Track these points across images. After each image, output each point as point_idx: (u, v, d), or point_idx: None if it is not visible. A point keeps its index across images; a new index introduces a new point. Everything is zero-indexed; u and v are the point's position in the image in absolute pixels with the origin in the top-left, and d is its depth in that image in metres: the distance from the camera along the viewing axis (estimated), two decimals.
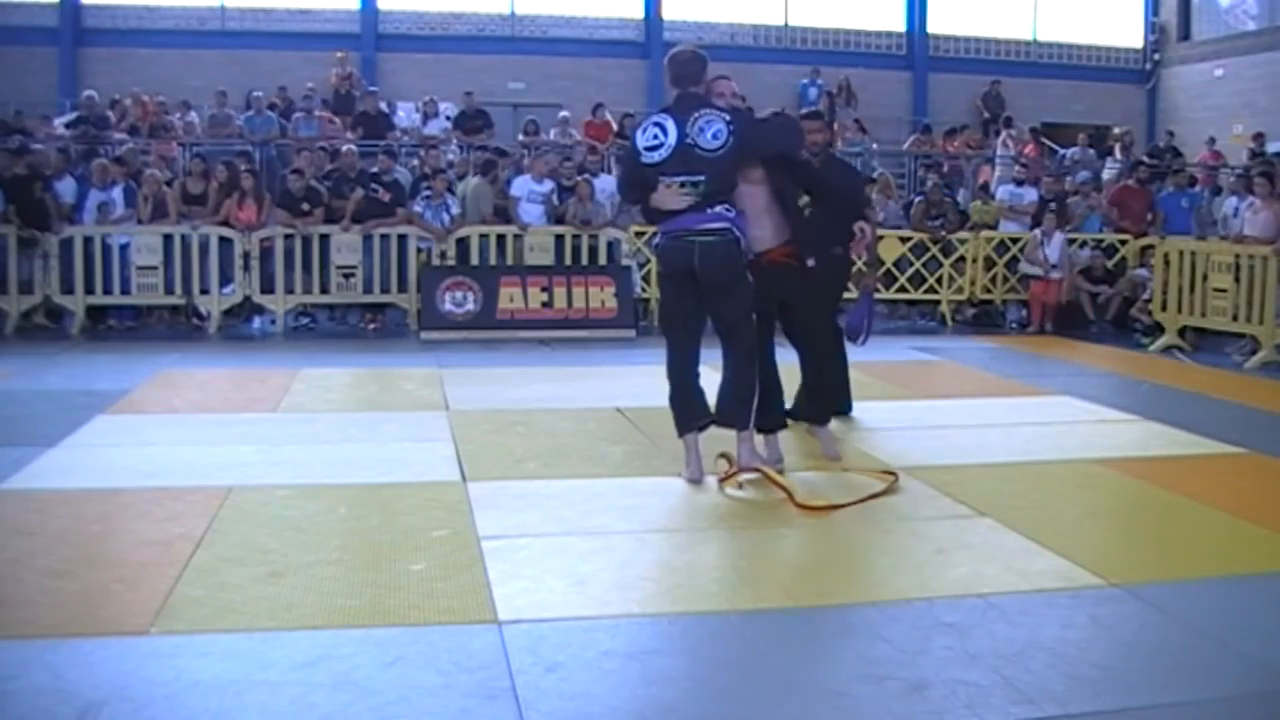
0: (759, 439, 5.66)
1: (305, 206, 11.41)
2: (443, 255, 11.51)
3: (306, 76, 17.24)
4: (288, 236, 11.29)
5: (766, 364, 5.72)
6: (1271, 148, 16.82)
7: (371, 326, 11.62)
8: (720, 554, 4.60)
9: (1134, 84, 22.42)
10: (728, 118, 5.35)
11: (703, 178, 5.31)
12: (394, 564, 4.30)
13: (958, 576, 4.24)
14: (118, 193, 11.38)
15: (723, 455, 5.61)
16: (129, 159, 12.16)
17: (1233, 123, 19.67)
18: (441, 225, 11.57)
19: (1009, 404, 7.85)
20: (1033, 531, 4.74)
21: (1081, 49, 22.40)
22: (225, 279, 11.31)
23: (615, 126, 16.06)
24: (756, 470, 5.43)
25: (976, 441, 6.52)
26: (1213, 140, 18.11)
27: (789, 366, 5.99)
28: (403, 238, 11.45)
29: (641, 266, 11.56)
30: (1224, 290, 10.46)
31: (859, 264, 7.46)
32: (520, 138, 15.46)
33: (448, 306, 11.03)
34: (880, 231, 12.58)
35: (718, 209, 5.35)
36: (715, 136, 5.29)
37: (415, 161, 13.44)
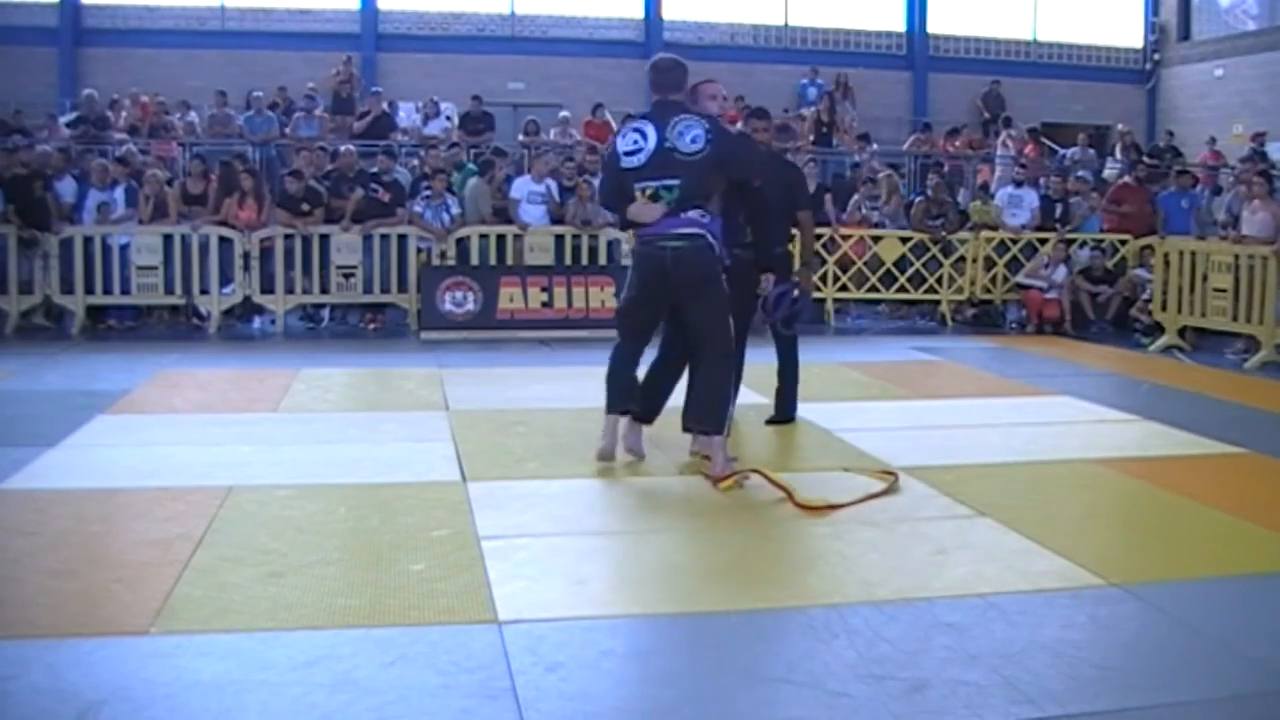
0: (624, 423, 5.83)
1: (305, 206, 11.41)
2: (443, 255, 11.50)
3: (306, 76, 17.24)
4: (288, 236, 11.28)
5: (672, 360, 5.95)
6: (1272, 147, 16.82)
7: (371, 326, 11.62)
8: (720, 554, 4.60)
9: (1134, 84, 22.42)
10: (706, 125, 5.41)
11: (678, 182, 5.37)
12: (394, 564, 4.30)
13: (958, 576, 4.24)
14: (119, 193, 11.39)
15: (705, 456, 5.65)
16: (130, 159, 12.17)
17: (1233, 123, 19.67)
18: (441, 225, 11.57)
19: (1009, 404, 7.85)
20: (1033, 531, 4.74)
21: (1081, 49, 22.40)
22: (225, 279, 11.31)
23: (615, 126, 16.07)
24: (756, 471, 5.43)
25: (976, 441, 6.52)
26: (1213, 140, 18.11)
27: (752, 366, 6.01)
28: (403, 238, 11.45)
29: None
30: (1224, 290, 10.46)
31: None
32: (520, 138, 15.47)
33: (448, 306, 11.03)
34: (879, 232, 12.65)
35: (692, 214, 5.40)
36: (694, 141, 5.35)
37: (415, 161, 13.44)
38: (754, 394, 7.06)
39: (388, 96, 17.26)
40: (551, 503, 5.16)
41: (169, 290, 11.16)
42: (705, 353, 5.60)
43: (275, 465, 5.75)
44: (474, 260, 11.57)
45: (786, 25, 21.41)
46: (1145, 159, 15.29)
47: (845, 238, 12.38)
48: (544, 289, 11.19)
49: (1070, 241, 12.53)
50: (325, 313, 11.78)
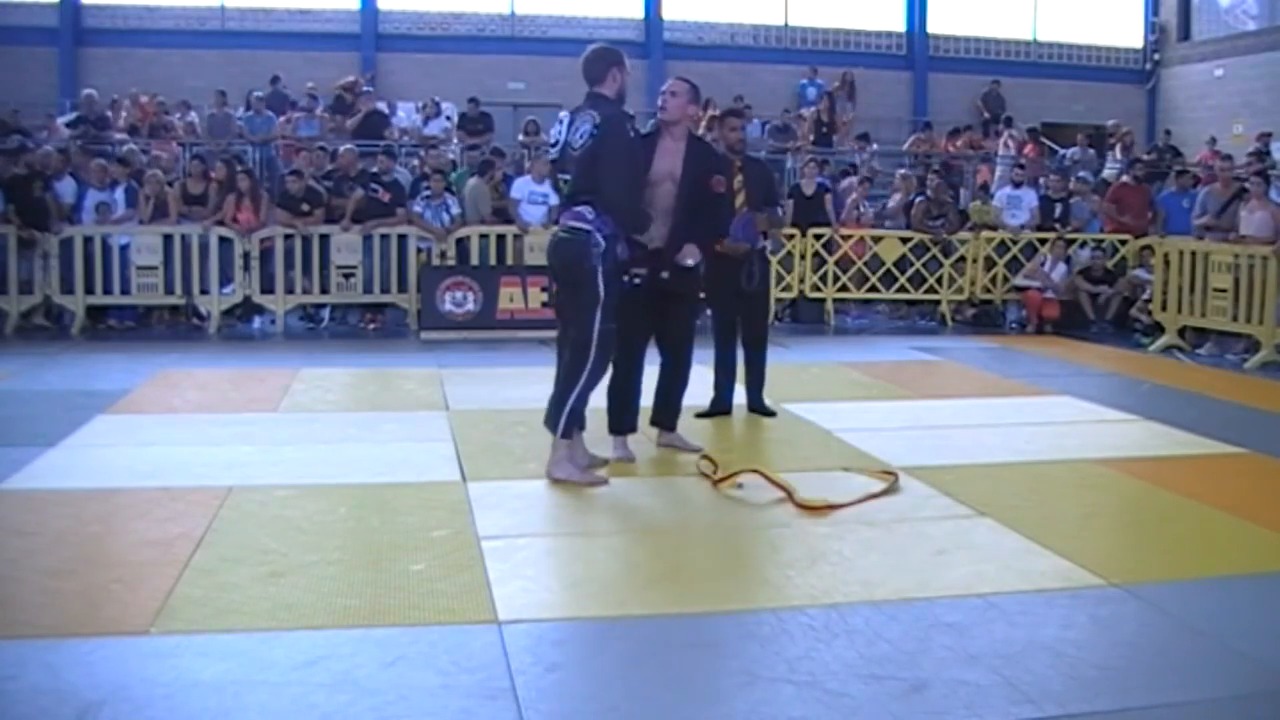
0: (597, 441, 5.86)
1: (305, 207, 11.41)
2: (443, 255, 11.51)
3: (306, 76, 17.24)
4: (288, 236, 11.29)
5: (634, 366, 5.91)
6: (1273, 148, 16.81)
7: (371, 326, 11.62)
8: (720, 554, 4.60)
9: (1134, 84, 22.42)
10: (598, 119, 5.32)
11: (568, 176, 5.45)
12: (394, 564, 4.30)
13: (958, 576, 4.24)
14: (119, 193, 11.39)
15: (705, 457, 5.65)
16: (131, 159, 12.17)
17: (1233, 123, 19.67)
18: (441, 225, 11.57)
19: (1009, 404, 7.85)
20: (1033, 531, 4.74)
21: (1081, 49, 22.40)
22: (225, 279, 11.31)
23: None
24: (755, 471, 5.42)
25: (976, 441, 6.52)
26: (1213, 140, 18.10)
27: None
28: (403, 238, 11.45)
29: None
30: (1224, 290, 10.46)
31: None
32: (520, 138, 15.46)
33: (448, 306, 11.03)
34: (879, 232, 12.65)
35: (579, 208, 5.35)
36: (581, 136, 5.36)
37: (415, 161, 13.43)
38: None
39: (388, 97, 17.27)
40: (552, 503, 5.16)
41: (169, 290, 11.17)
42: (562, 349, 5.60)
43: (275, 465, 5.75)
44: (474, 260, 11.57)
45: (786, 25, 21.41)
46: (1145, 158, 15.30)
47: (845, 238, 12.38)
48: (544, 289, 11.17)
49: (1070, 241, 12.54)
50: (325, 313, 11.78)
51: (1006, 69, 21.34)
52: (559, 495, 5.28)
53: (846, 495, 5.22)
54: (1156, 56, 22.23)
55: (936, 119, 18.92)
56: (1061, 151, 17.56)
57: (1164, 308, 11.10)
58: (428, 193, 11.72)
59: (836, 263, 12.36)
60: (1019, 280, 12.29)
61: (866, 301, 12.91)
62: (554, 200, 11.73)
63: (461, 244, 11.62)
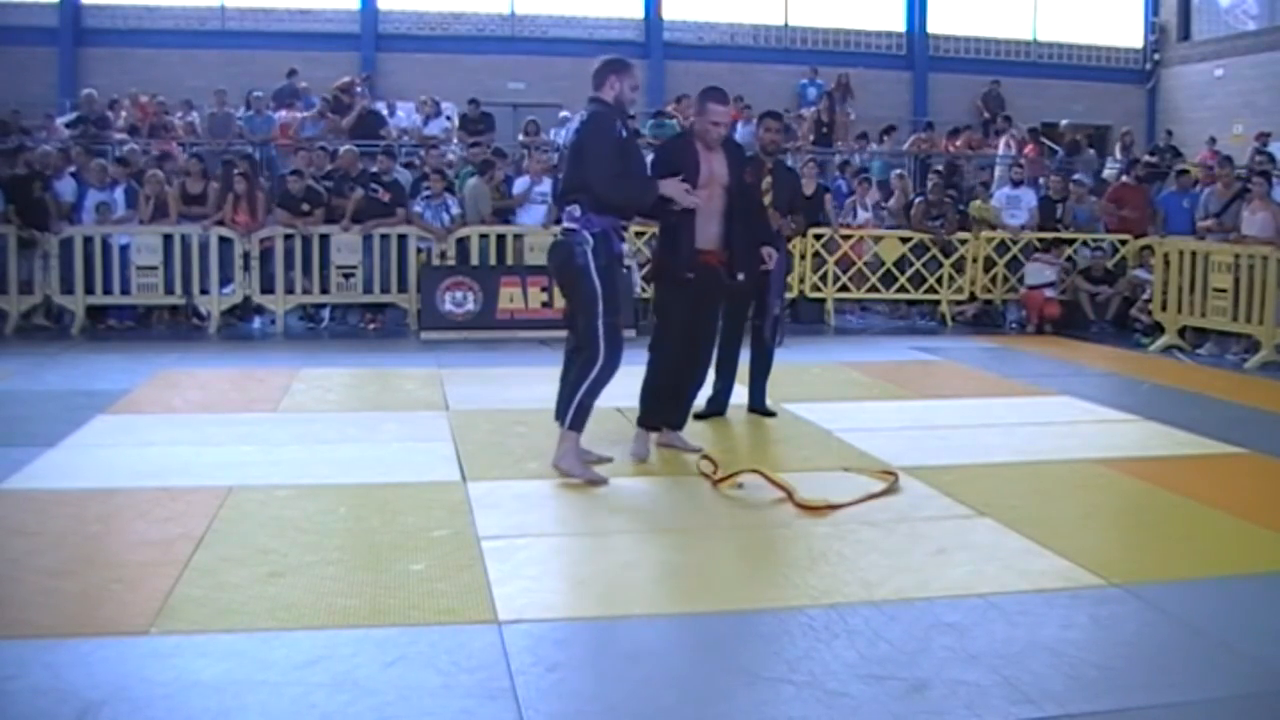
0: (652, 434, 6.01)
1: (305, 206, 11.41)
2: (443, 255, 11.51)
3: (306, 76, 17.24)
4: (288, 237, 11.28)
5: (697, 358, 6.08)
6: (1273, 148, 16.81)
7: (371, 326, 11.62)
8: (720, 554, 4.60)
9: (1134, 84, 22.41)
10: (584, 117, 5.49)
11: (560, 176, 5.62)
12: (394, 564, 4.30)
13: (958, 576, 4.24)
14: (119, 193, 11.38)
15: (705, 457, 5.66)
16: (131, 160, 12.17)
17: (1233, 123, 19.66)
18: (441, 225, 11.57)
19: (1009, 404, 7.85)
20: (1033, 531, 4.74)
21: (1081, 49, 22.40)
22: (225, 279, 11.31)
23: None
24: (756, 471, 5.42)
25: (976, 441, 6.52)
26: (1213, 140, 18.09)
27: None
28: (403, 238, 11.45)
29: (642, 266, 11.55)
30: (1224, 290, 10.46)
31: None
32: (520, 138, 15.46)
33: (448, 306, 11.03)
34: (879, 232, 12.65)
35: (570, 208, 5.48)
36: (568, 135, 5.57)
37: (415, 161, 13.43)
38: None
39: (388, 97, 17.26)
40: (551, 503, 5.16)
41: (169, 290, 11.17)
42: (575, 348, 5.68)
43: (275, 465, 5.75)
44: (474, 260, 11.57)
45: (786, 25, 21.40)
46: (1147, 157, 15.29)
47: (845, 238, 12.38)
48: (544, 289, 11.17)
49: (1070, 242, 12.53)
50: (325, 313, 11.78)
51: (1006, 69, 21.33)
52: (559, 495, 5.28)
53: (846, 495, 5.22)
54: (1156, 56, 22.22)
55: (936, 119, 18.91)
56: (1061, 151, 17.56)
57: (1164, 308, 11.10)
58: (428, 193, 11.72)
59: (836, 263, 12.36)
60: (1029, 277, 12.25)
61: (866, 301, 12.91)
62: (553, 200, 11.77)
63: (461, 244, 11.62)
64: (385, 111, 16.07)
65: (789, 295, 12.14)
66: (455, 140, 15.15)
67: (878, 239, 12.55)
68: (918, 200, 12.98)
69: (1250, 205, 10.73)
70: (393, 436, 6.50)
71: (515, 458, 5.97)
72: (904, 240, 12.51)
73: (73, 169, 11.81)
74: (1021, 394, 8.27)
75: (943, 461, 5.94)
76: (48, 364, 8.98)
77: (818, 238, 12.22)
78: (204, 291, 11.20)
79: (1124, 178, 13.69)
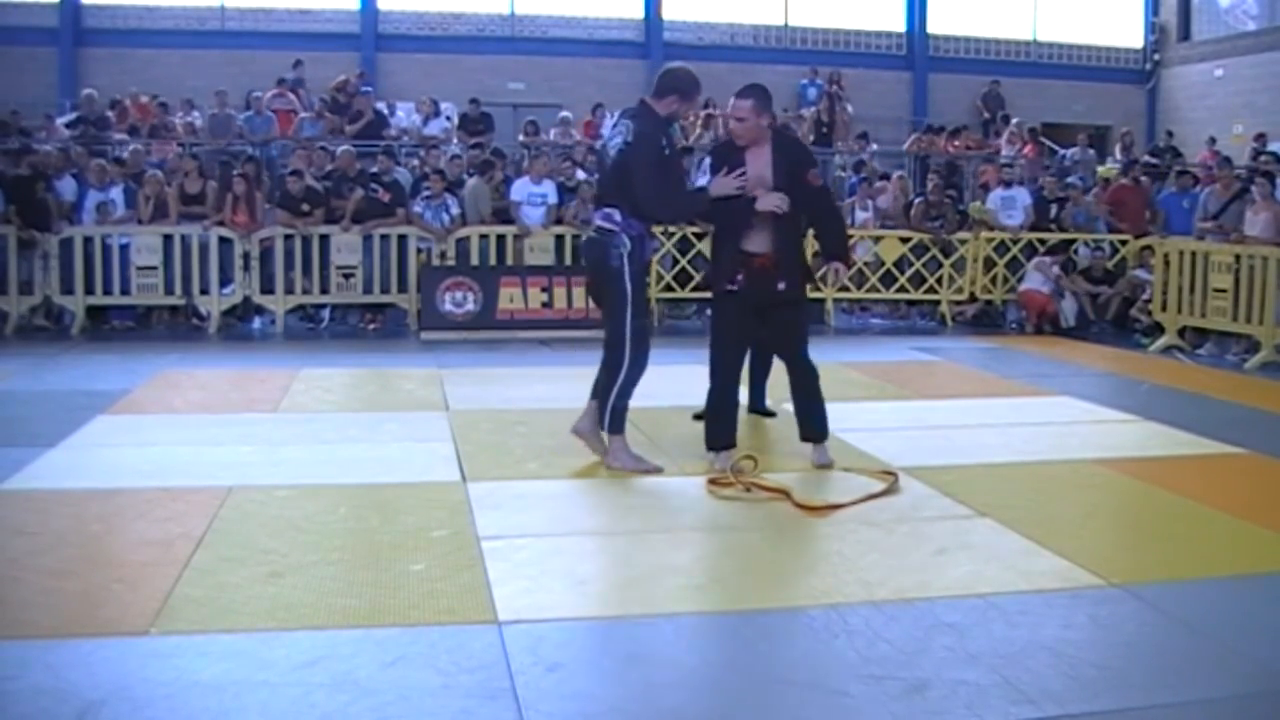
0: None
1: (305, 207, 11.41)
2: (443, 255, 11.51)
3: (306, 76, 17.24)
4: (288, 237, 11.29)
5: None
6: (1272, 148, 16.81)
7: (371, 326, 11.62)
8: (719, 554, 4.60)
9: (1134, 84, 22.42)
10: (630, 135, 5.46)
11: (599, 177, 5.70)
12: (394, 564, 4.30)
13: (958, 576, 4.24)
14: (117, 192, 11.38)
15: (747, 456, 5.63)
16: (132, 160, 12.17)
17: (1233, 123, 19.67)
18: (441, 225, 11.57)
19: (1008, 404, 7.85)
20: (1033, 531, 4.74)
21: (1081, 49, 22.40)
22: (225, 279, 11.31)
23: None
24: (752, 484, 5.40)
25: (976, 441, 6.52)
26: (1213, 140, 18.10)
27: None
28: (403, 238, 11.45)
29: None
30: (1224, 290, 10.46)
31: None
32: (520, 138, 15.46)
33: (448, 306, 11.03)
34: (879, 232, 12.65)
35: (607, 209, 5.56)
36: (614, 146, 5.55)
37: (415, 162, 13.43)
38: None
39: (388, 97, 17.25)
40: (551, 503, 5.16)
41: (169, 290, 11.17)
42: (604, 347, 5.72)
43: (275, 465, 5.75)
44: (474, 260, 11.57)
45: (786, 25, 21.40)
46: (1148, 157, 15.28)
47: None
48: (544, 289, 11.19)
49: (1070, 243, 12.54)
50: (325, 313, 11.78)
51: (1006, 69, 21.33)
52: (559, 495, 5.28)
53: (846, 495, 5.22)
54: (1156, 56, 22.22)
55: (936, 119, 18.92)
56: (1061, 152, 17.56)
57: (1164, 308, 11.10)
58: (428, 193, 11.72)
59: None
60: (1025, 285, 12.23)
61: (866, 301, 12.90)
62: (553, 200, 11.76)
63: (461, 244, 11.62)
64: (385, 111, 16.07)
65: None
66: (455, 140, 15.15)
67: (878, 239, 12.54)
68: (917, 200, 12.98)
69: (1253, 206, 10.73)
70: (393, 436, 6.50)
71: (515, 458, 5.97)
72: (904, 240, 12.51)
73: (73, 170, 11.81)
74: (1021, 394, 8.27)
75: (943, 461, 5.94)
76: (48, 364, 8.98)
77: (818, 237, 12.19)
78: (204, 292, 11.20)
79: (1123, 179, 13.69)
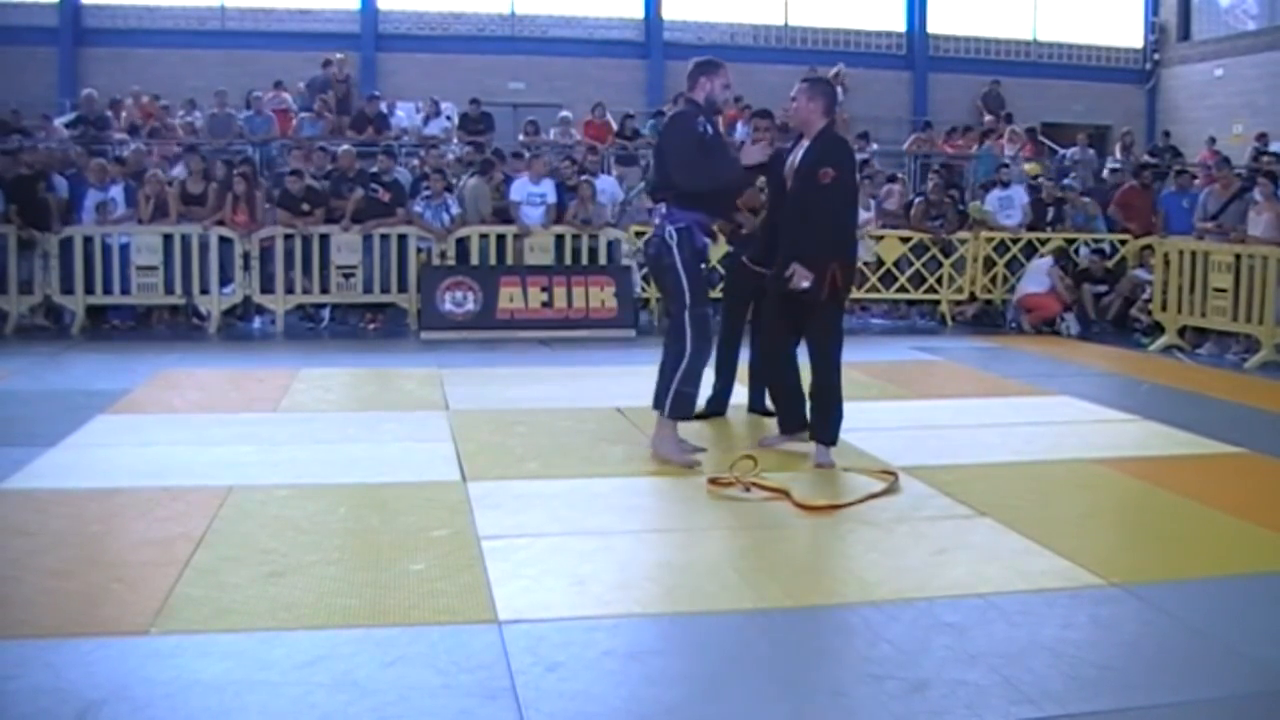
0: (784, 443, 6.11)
1: (305, 206, 11.41)
2: (443, 255, 11.51)
3: (306, 77, 17.24)
4: (288, 236, 11.28)
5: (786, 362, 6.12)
6: (1273, 148, 16.81)
7: (371, 326, 11.62)
8: (720, 554, 4.60)
9: (1134, 84, 22.42)
10: (665, 122, 5.82)
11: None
12: (394, 564, 4.30)
13: (958, 576, 4.24)
14: (117, 192, 11.37)
15: (746, 456, 5.61)
16: (132, 160, 12.16)
17: (1233, 123, 19.67)
18: (441, 225, 11.57)
19: (1009, 404, 7.85)
20: (1033, 531, 4.74)
21: (1081, 49, 22.40)
22: (225, 279, 11.31)
23: (615, 126, 16.05)
24: (752, 483, 5.39)
25: (976, 441, 6.52)
26: (1213, 140, 18.10)
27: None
28: (403, 238, 11.45)
29: (641, 266, 11.56)
30: (1224, 290, 10.46)
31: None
32: (520, 138, 15.45)
33: (448, 306, 11.03)
34: (879, 232, 12.65)
35: (659, 205, 5.81)
36: (656, 134, 5.72)
37: (415, 162, 13.43)
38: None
39: (388, 96, 17.25)
40: (551, 503, 5.15)
41: (169, 290, 11.17)
42: (668, 338, 5.92)
43: (275, 465, 5.75)
44: (474, 260, 11.57)
45: (786, 25, 21.41)
46: (1149, 157, 15.28)
47: None
48: (544, 289, 11.20)
49: (1069, 243, 12.54)
50: (325, 313, 11.78)
51: (1006, 69, 21.33)
52: (559, 495, 5.28)
53: (846, 495, 5.22)
54: (1156, 56, 22.22)
55: (936, 119, 18.91)
56: (1061, 151, 17.55)
57: (1164, 308, 11.10)
58: (428, 193, 11.72)
59: None
60: (1021, 290, 12.22)
61: (864, 303, 12.90)
62: (552, 200, 11.76)
63: (461, 244, 11.62)
64: (385, 111, 16.06)
65: None
66: (455, 140, 15.15)
67: (878, 239, 12.54)
68: (917, 200, 12.97)
69: (1256, 206, 10.72)
70: (393, 436, 6.50)
71: (515, 458, 5.97)
72: (904, 240, 12.51)
73: (72, 169, 11.81)
74: (1021, 394, 8.27)
75: (943, 461, 5.94)
76: (48, 364, 8.98)
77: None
78: (204, 291, 11.20)
79: (1131, 181, 13.67)
